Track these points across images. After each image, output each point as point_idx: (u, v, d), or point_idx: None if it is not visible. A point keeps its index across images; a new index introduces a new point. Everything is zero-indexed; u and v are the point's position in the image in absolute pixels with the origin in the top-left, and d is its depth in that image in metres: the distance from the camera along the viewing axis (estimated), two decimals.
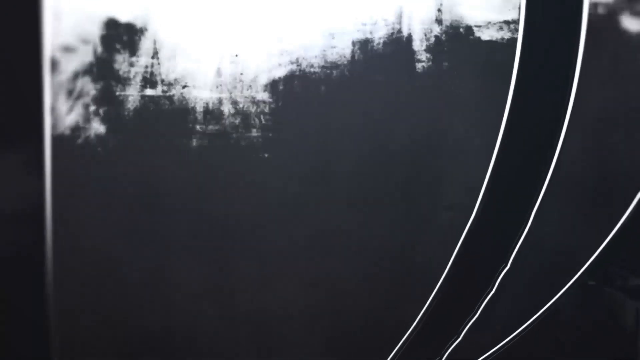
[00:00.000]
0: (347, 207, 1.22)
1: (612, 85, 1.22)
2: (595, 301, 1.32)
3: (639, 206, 1.22)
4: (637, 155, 1.24)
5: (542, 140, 1.23)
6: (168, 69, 1.18)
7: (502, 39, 1.20)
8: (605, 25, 1.21)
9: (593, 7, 1.20)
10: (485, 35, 1.20)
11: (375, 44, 1.19)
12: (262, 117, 1.20)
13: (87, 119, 1.18)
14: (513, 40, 1.20)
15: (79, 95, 1.17)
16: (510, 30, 1.20)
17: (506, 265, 1.23)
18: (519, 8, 1.20)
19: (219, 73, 1.18)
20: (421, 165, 1.22)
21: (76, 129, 1.18)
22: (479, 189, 1.22)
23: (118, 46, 1.17)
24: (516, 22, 1.20)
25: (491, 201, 1.22)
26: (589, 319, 1.32)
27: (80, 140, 1.18)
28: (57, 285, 1.19)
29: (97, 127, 1.18)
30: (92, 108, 1.18)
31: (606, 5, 1.20)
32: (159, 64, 1.18)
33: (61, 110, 1.17)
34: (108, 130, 1.18)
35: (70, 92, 1.17)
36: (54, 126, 1.17)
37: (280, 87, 1.19)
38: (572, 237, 1.25)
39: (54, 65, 1.16)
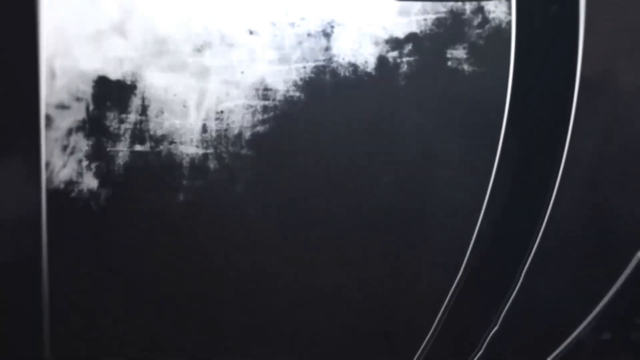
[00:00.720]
0: (332, 264, 1.21)
1: (608, 137, 1.17)
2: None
3: (637, 266, 1.16)
4: (635, 212, 1.18)
5: (533, 195, 1.19)
6: (156, 126, 1.21)
7: (490, 92, 1.17)
8: (600, 77, 1.16)
9: (587, 58, 1.15)
10: (473, 88, 1.17)
11: (359, 99, 1.18)
12: (246, 172, 1.21)
13: (80, 174, 1.22)
14: (502, 93, 1.17)
15: (73, 151, 1.22)
16: (498, 84, 1.17)
17: (495, 325, 1.19)
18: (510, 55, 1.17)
19: (204, 129, 1.20)
20: (408, 221, 1.20)
21: (70, 183, 1.22)
22: (467, 246, 1.19)
23: (109, 103, 1.21)
24: (506, 74, 1.17)
25: (480, 258, 1.19)
26: None
27: (73, 194, 1.22)
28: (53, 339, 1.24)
29: (90, 182, 1.22)
30: (85, 163, 1.22)
31: (601, 56, 1.16)
32: (147, 120, 1.21)
33: (56, 165, 1.22)
34: (100, 184, 1.22)
35: (64, 148, 1.21)
36: (49, 180, 1.22)
37: (265, 143, 1.20)
38: (566, 297, 1.20)
39: (49, 122, 1.21)
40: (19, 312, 1.25)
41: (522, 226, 1.19)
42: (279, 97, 1.19)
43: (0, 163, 1.23)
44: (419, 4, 1.16)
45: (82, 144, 1.22)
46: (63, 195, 1.22)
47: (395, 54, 1.17)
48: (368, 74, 1.18)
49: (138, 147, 1.21)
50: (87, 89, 1.20)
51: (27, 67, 1.21)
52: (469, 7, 1.16)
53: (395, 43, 1.17)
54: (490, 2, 1.16)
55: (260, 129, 1.20)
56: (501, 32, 1.16)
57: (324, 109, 1.19)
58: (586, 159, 1.17)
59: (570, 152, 1.16)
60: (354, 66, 1.18)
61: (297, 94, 1.19)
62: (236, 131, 1.20)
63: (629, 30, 1.15)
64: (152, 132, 1.21)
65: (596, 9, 1.14)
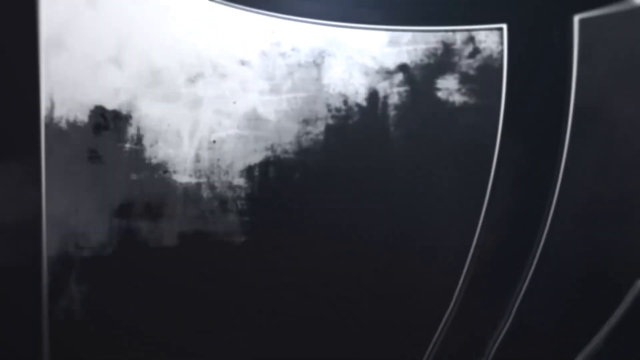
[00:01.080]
0: (324, 294, 1.21)
1: (603, 164, 1.14)
2: None
3: (633, 301, 1.13)
4: (629, 245, 1.15)
5: (527, 225, 1.17)
6: (150, 155, 1.22)
7: (481, 123, 1.16)
8: (594, 106, 1.14)
9: (580, 86, 1.13)
10: (464, 119, 1.16)
11: (349, 130, 1.18)
12: (238, 202, 1.21)
13: (77, 202, 1.24)
14: (494, 122, 1.15)
15: (71, 180, 1.24)
16: (489, 115, 1.15)
17: (486, 359, 1.18)
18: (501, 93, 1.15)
19: (197, 159, 1.22)
20: (400, 249, 1.19)
21: (68, 211, 1.25)
22: (459, 275, 1.18)
23: (106, 133, 1.23)
24: (497, 103, 1.15)
25: (471, 288, 1.17)
26: None
27: (72, 222, 1.25)
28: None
29: (87, 209, 1.24)
30: (82, 191, 1.24)
31: (594, 84, 1.13)
32: (142, 149, 1.22)
33: (55, 193, 1.24)
34: (97, 212, 1.24)
35: (63, 177, 1.24)
36: (48, 203, 1.24)
37: (256, 173, 1.21)
38: (557, 330, 1.17)
39: (49, 150, 1.24)
40: (18, 316, 1.28)
41: (517, 255, 1.18)
42: (270, 127, 1.20)
43: (2, 188, 1.26)
44: (409, 33, 1.15)
45: (80, 172, 1.24)
46: (62, 221, 1.24)
47: (385, 84, 1.17)
48: (358, 105, 1.18)
49: (133, 176, 1.23)
50: (84, 119, 1.23)
51: (27, 96, 1.23)
52: (459, 37, 1.15)
53: (385, 73, 1.16)
54: (481, 32, 1.14)
55: (252, 158, 1.20)
56: (492, 62, 1.14)
57: (315, 139, 1.19)
58: (581, 186, 1.15)
59: (565, 179, 1.14)
60: (344, 96, 1.18)
61: (289, 124, 1.19)
62: (229, 161, 1.21)
63: (622, 60, 1.12)
64: (147, 161, 1.23)
65: (589, 39, 1.11)
